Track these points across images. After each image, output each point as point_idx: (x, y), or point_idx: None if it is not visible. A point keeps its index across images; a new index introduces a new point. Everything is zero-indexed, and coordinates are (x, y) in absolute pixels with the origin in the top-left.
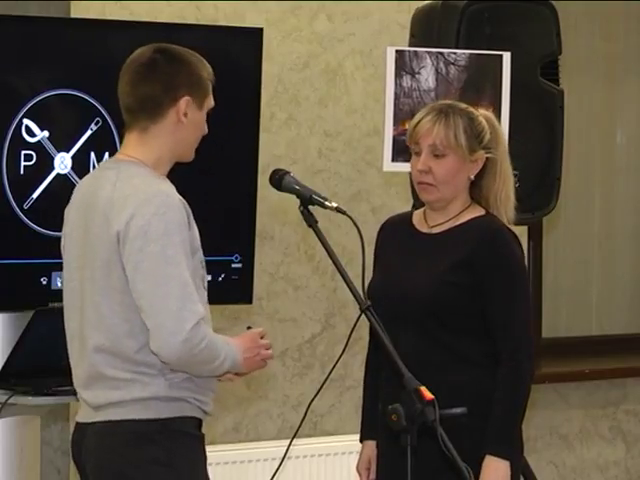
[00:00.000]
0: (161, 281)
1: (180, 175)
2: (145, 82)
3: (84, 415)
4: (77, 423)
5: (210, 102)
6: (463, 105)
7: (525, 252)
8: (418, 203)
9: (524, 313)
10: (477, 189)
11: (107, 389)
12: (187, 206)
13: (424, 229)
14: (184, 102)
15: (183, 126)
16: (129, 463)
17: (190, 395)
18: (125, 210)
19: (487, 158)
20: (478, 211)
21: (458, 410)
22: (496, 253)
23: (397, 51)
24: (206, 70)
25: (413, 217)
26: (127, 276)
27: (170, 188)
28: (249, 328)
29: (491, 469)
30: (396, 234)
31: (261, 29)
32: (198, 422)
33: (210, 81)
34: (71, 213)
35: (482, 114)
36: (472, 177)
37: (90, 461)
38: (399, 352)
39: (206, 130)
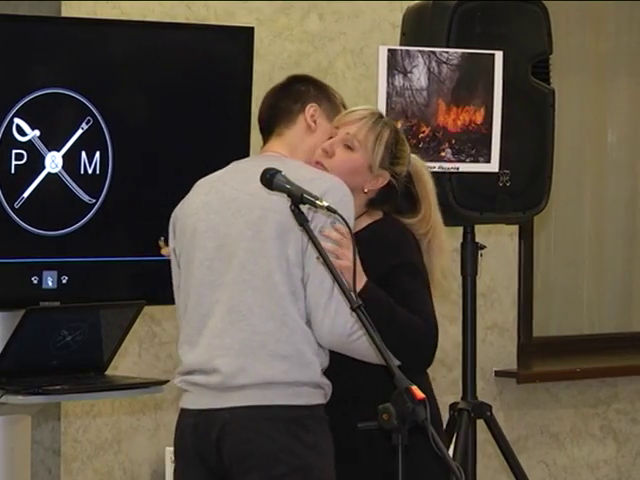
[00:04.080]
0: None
1: (172, 174)
2: (277, 98)
3: (209, 401)
4: (198, 410)
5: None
6: (400, 129)
7: (516, 251)
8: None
9: (423, 298)
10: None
11: (263, 363)
12: None
13: None
14: (312, 108)
15: (313, 133)
16: (283, 448)
17: (325, 382)
18: (317, 189)
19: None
20: (376, 215)
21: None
22: (384, 261)
23: (389, 50)
24: (337, 96)
25: None
26: (304, 249)
27: None
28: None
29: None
30: None
31: (252, 28)
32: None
33: (343, 106)
34: (197, 203)
35: (415, 160)
36: (366, 190)
37: (233, 447)
38: None
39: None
